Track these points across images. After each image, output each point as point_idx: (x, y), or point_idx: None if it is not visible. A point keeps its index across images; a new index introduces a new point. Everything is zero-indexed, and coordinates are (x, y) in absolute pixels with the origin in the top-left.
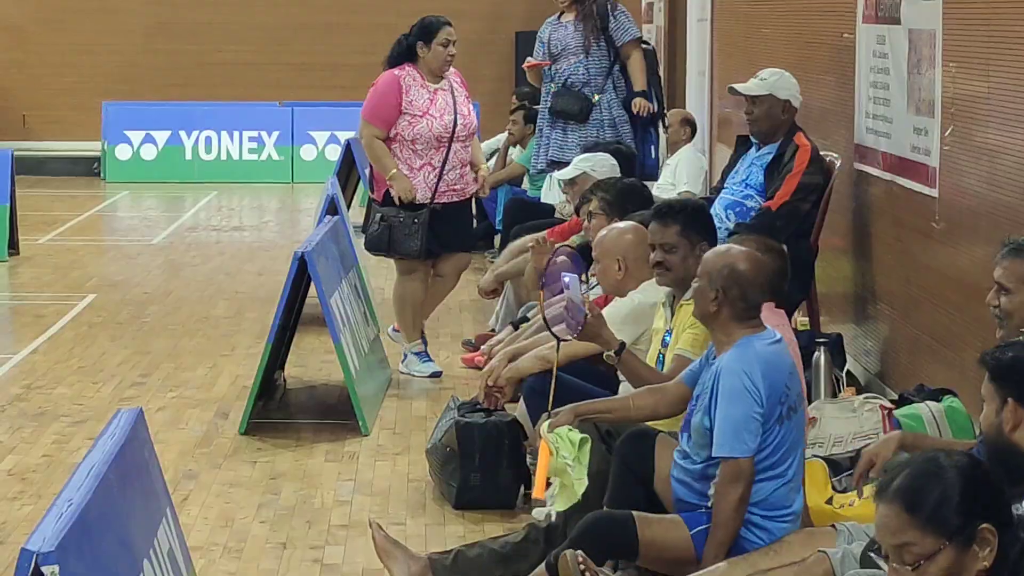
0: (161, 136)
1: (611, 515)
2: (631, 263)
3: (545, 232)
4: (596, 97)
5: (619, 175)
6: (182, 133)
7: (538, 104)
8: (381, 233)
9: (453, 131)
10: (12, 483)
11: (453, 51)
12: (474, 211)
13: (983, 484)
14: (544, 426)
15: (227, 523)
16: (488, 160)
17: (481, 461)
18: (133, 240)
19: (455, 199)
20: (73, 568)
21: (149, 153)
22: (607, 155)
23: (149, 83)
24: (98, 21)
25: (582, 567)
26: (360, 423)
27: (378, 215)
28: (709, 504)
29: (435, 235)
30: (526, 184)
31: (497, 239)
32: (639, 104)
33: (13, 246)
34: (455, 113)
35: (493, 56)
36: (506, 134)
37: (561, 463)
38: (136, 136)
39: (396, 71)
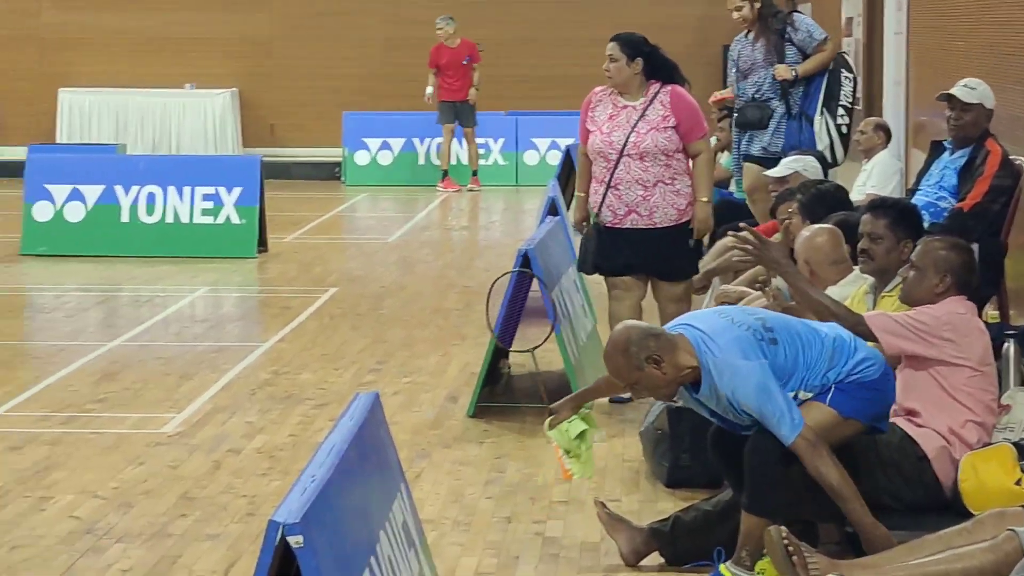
0: (396, 143)
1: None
2: (815, 266)
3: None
4: (776, 105)
5: (823, 178)
6: (415, 140)
7: None
8: None
9: (622, 149)
10: (261, 460)
11: (606, 67)
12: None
13: None
14: (545, 425)
15: (456, 498)
16: None
17: (691, 442)
18: (371, 238)
19: (641, 225)
20: (316, 538)
21: (386, 159)
22: (813, 158)
23: (385, 94)
24: (338, 37)
25: (786, 542)
26: None
27: None
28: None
29: (613, 254)
30: (732, 187)
31: (706, 238)
32: (778, 71)
33: (262, 244)
34: (631, 131)
35: (700, 68)
36: (715, 140)
37: (563, 454)
38: (374, 143)
39: (600, 88)
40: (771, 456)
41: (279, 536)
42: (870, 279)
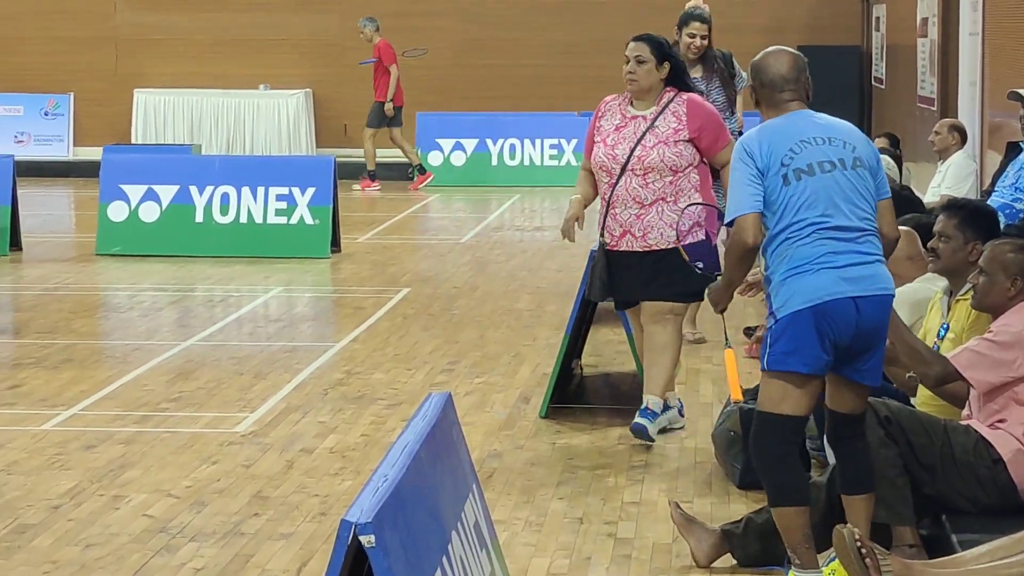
0: (469, 144)
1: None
2: (892, 264)
3: None
4: None
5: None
6: (488, 141)
7: None
8: None
9: (626, 163)
10: (334, 460)
11: (632, 69)
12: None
13: None
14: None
15: (528, 499)
16: None
17: None
18: (443, 239)
19: (636, 247)
20: (388, 538)
21: (458, 159)
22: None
23: (459, 95)
24: (413, 38)
25: (859, 543)
26: None
27: None
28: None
29: (614, 279)
30: None
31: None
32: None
33: (335, 244)
34: (637, 144)
35: None
36: None
37: None
38: (447, 144)
39: (611, 96)
40: (768, 447)
41: (351, 535)
42: (944, 281)
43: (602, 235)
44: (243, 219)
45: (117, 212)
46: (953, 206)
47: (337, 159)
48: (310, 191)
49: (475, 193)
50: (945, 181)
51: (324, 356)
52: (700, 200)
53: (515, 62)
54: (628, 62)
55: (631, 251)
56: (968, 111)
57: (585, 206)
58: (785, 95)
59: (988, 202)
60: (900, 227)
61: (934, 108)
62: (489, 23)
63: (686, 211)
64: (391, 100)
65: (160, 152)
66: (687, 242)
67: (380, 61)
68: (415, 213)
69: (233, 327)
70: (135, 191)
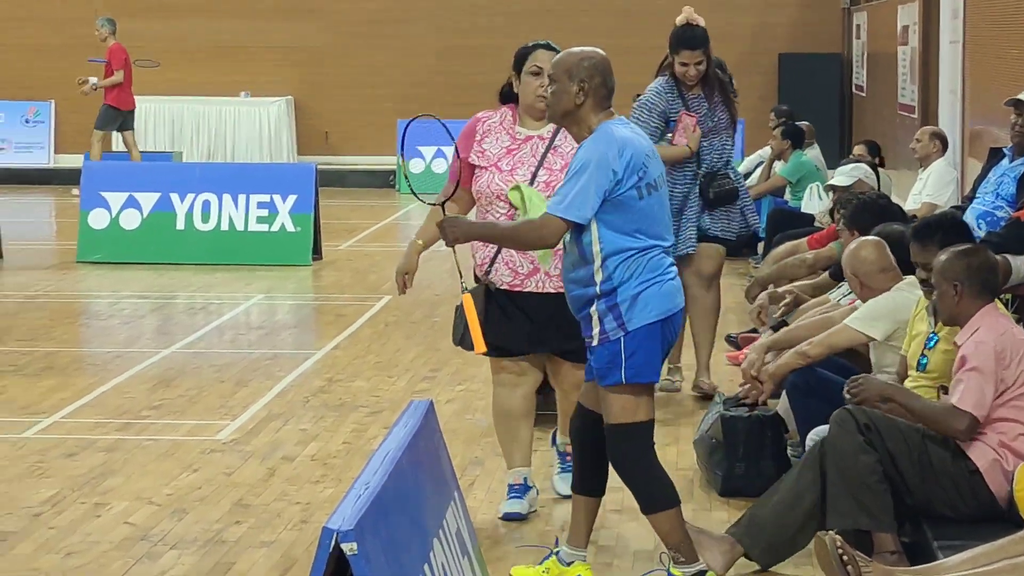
0: (451, 150)
1: None
2: (863, 277)
3: (805, 239)
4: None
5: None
6: None
7: (795, 120)
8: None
9: None
10: (315, 468)
11: (546, 82)
12: None
13: None
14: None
15: None
16: (753, 171)
17: (744, 452)
18: None
19: (548, 288)
20: (370, 545)
21: (440, 166)
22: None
23: (439, 102)
24: (392, 46)
25: (840, 551)
26: None
27: None
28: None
29: (512, 328)
30: (787, 195)
31: (760, 246)
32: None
33: (317, 252)
34: (539, 166)
35: (757, 76)
36: (769, 148)
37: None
38: (428, 151)
39: (486, 113)
40: (636, 456)
41: (333, 543)
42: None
43: (489, 273)
44: (224, 226)
45: (98, 219)
46: (925, 233)
47: (318, 167)
48: (291, 198)
49: None
50: (926, 188)
51: (305, 364)
52: None
53: (493, 68)
54: (538, 73)
55: (541, 292)
56: (949, 119)
57: (426, 248)
58: (610, 103)
59: (969, 208)
60: (869, 238)
61: (915, 116)
62: (468, 30)
63: None
64: (96, 89)
65: (141, 159)
66: None
67: (109, 63)
68: (396, 220)
69: (214, 335)
70: (116, 199)
